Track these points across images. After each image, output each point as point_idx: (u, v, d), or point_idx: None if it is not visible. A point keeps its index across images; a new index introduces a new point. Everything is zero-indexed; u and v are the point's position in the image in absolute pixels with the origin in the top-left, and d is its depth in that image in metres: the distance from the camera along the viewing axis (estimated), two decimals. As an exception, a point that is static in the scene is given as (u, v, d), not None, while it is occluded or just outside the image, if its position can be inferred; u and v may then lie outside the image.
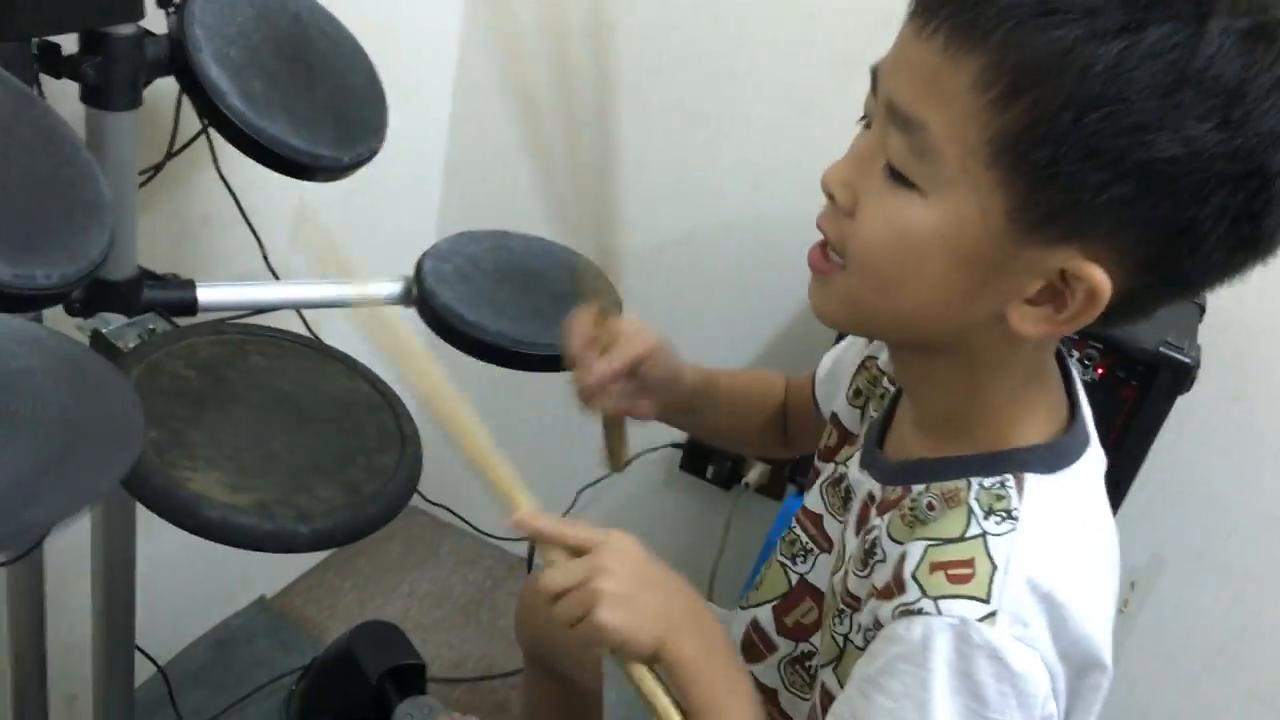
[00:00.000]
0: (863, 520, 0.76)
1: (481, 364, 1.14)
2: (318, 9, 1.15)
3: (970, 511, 0.65)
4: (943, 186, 0.60)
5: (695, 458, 1.79)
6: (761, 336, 1.73)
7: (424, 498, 2.08)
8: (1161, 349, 1.20)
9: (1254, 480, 1.48)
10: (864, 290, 0.67)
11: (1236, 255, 0.59)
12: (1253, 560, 1.53)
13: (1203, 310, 1.34)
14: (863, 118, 0.67)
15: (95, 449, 0.62)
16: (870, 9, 1.46)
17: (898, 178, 0.62)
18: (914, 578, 0.64)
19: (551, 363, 1.15)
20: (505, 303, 1.18)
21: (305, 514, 0.85)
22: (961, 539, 0.65)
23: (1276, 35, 0.55)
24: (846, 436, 0.88)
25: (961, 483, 0.67)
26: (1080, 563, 0.66)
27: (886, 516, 0.71)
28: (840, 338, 1.06)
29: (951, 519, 0.66)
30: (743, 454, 1.74)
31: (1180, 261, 0.59)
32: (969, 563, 0.63)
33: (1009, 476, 0.66)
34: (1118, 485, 1.29)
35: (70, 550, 1.20)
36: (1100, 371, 1.23)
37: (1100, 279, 0.59)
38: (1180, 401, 1.25)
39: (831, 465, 0.87)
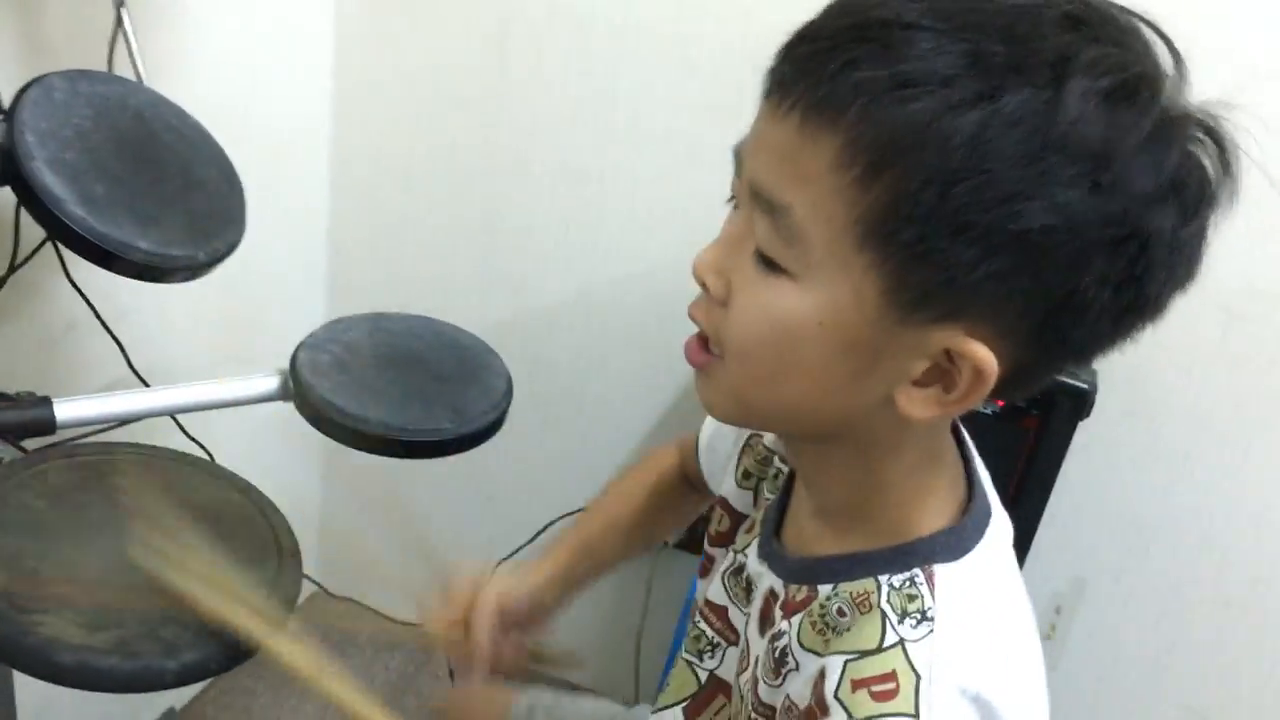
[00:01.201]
0: (766, 618, 0.72)
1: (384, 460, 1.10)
2: (162, 103, 1.10)
3: (884, 617, 0.62)
4: (814, 270, 0.57)
5: (611, 520, 1.75)
6: (668, 387, 1.70)
7: (329, 593, 2.01)
8: (1058, 377, 1.19)
9: (1164, 492, 1.48)
10: (744, 382, 0.63)
11: (1125, 320, 0.57)
12: (1174, 572, 1.53)
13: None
14: (730, 198, 0.64)
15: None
16: (738, 56, 1.46)
17: (768, 263, 0.59)
18: (837, 698, 0.61)
19: (440, 448, 1.11)
20: (387, 389, 1.13)
21: (172, 647, 0.79)
22: (879, 650, 0.61)
23: (1138, 94, 0.53)
24: (739, 519, 0.84)
25: (870, 583, 0.64)
26: (1004, 654, 0.63)
27: (795, 621, 0.67)
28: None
29: (866, 628, 0.62)
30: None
31: (1067, 332, 0.56)
32: (891, 675, 0.60)
33: (917, 572, 0.63)
34: (1031, 514, 1.28)
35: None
36: (1000, 404, 1.22)
37: (985, 356, 0.56)
38: (1083, 423, 1.25)
39: (728, 553, 0.83)
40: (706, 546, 0.87)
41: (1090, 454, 1.42)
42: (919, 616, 0.61)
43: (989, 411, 1.22)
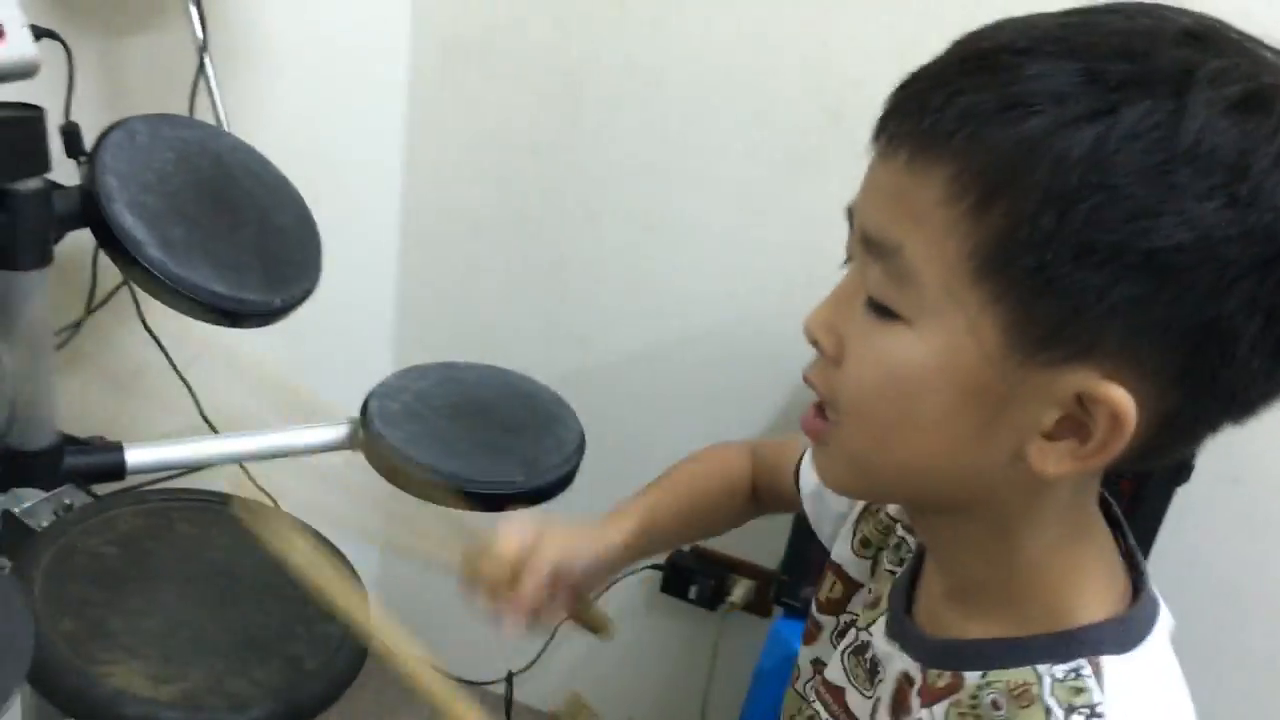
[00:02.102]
0: (900, 705, 0.67)
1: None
2: (242, 148, 1.10)
3: (1049, 712, 0.56)
4: (929, 313, 0.54)
5: (677, 579, 1.71)
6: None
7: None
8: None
9: (1262, 564, 1.41)
10: (862, 445, 0.59)
11: None
12: (1271, 646, 1.45)
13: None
14: (845, 261, 0.61)
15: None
16: (815, 106, 1.44)
17: (880, 310, 0.55)
18: None
19: (509, 501, 1.08)
20: (457, 440, 1.11)
21: (239, 702, 0.77)
22: None
23: (1271, 103, 0.49)
24: (853, 587, 0.79)
25: (1028, 672, 0.58)
26: None
27: (939, 710, 0.62)
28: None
29: None
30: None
31: (1215, 371, 0.51)
32: None
33: (1083, 663, 0.57)
34: (1171, 618, 1.22)
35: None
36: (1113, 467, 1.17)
37: (1122, 398, 0.51)
38: (1179, 489, 1.19)
39: (846, 626, 0.77)
40: (814, 612, 0.81)
41: (1184, 521, 1.35)
42: (1087, 712, 0.56)
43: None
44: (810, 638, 0.81)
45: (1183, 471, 1.15)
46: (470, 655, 1.96)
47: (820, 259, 0.62)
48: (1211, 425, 0.55)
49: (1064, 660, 0.57)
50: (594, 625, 0.95)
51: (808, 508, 0.89)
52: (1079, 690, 0.56)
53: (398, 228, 1.73)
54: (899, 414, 0.57)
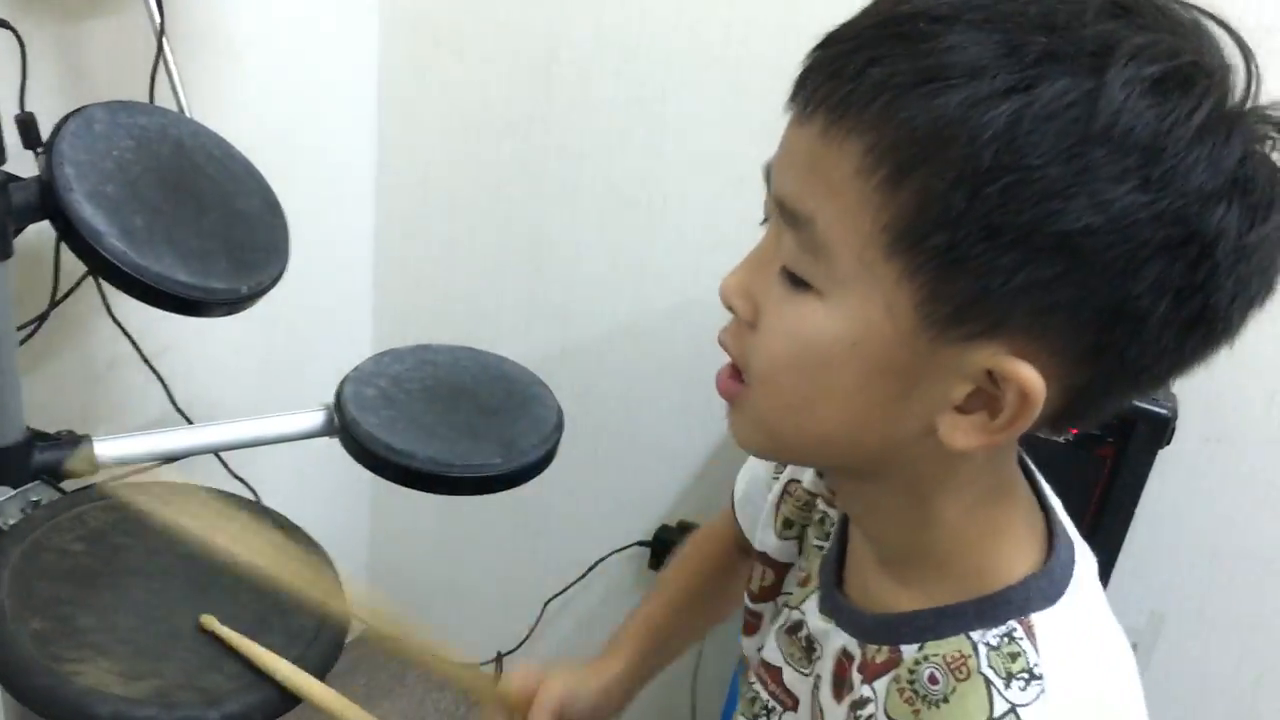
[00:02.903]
0: (842, 682, 0.66)
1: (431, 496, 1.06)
2: (204, 134, 1.08)
3: (988, 683, 0.56)
4: (842, 285, 0.53)
5: (664, 556, 1.70)
6: (721, 419, 1.65)
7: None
8: (1137, 402, 1.13)
9: (1247, 523, 1.40)
10: (773, 412, 0.59)
11: (1191, 337, 0.51)
12: (1258, 606, 1.44)
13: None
14: (764, 220, 0.59)
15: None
16: (791, 74, 1.42)
17: (794, 280, 0.55)
18: None
19: (491, 483, 1.07)
20: (435, 424, 1.09)
21: (213, 697, 0.76)
22: None
23: (1192, 83, 0.48)
24: (783, 571, 0.79)
25: (962, 641, 0.58)
26: (1113, 704, 0.58)
27: (879, 686, 0.62)
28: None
29: (968, 697, 0.56)
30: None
31: (1123, 349, 0.51)
32: None
33: (1014, 625, 0.57)
34: (1108, 547, 1.22)
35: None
36: (1074, 432, 1.16)
37: (1030, 377, 0.51)
38: (1162, 452, 1.19)
39: (781, 609, 0.77)
40: (748, 603, 0.81)
41: (1167, 482, 1.35)
42: (1026, 676, 0.55)
43: (1062, 440, 1.16)
44: (749, 629, 0.80)
45: (1164, 434, 1.14)
46: (459, 636, 1.96)
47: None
48: (1122, 396, 0.55)
49: (995, 624, 0.57)
50: None
51: (741, 520, 0.88)
52: (1014, 655, 0.56)
53: (372, 210, 1.71)
54: (810, 385, 0.56)
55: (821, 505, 0.75)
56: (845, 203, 0.51)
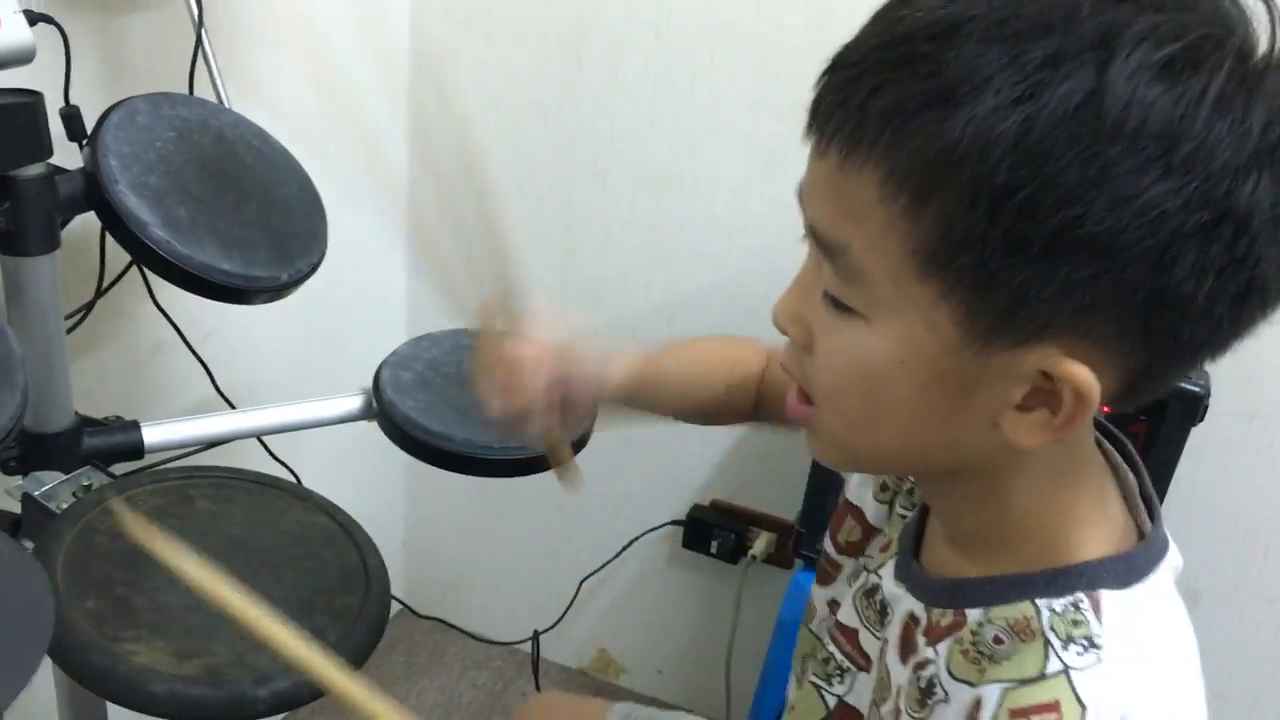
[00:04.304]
0: (907, 645, 0.68)
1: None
2: (244, 124, 1.10)
3: (1047, 644, 0.57)
4: (883, 308, 0.54)
5: (697, 534, 1.72)
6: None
7: (415, 613, 2.00)
8: (1170, 379, 1.13)
9: (1281, 499, 1.41)
10: (841, 429, 0.60)
11: (1246, 307, 0.51)
12: (1292, 582, 1.45)
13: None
14: (804, 236, 0.61)
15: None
16: (821, 54, 1.42)
17: (838, 305, 0.56)
18: None
19: (527, 466, 1.09)
20: (472, 407, 1.11)
21: (262, 675, 0.78)
22: (1042, 677, 0.56)
23: (1203, 57, 0.48)
24: (871, 532, 0.80)
25: (1027, 606, 0.59)
26: (1171, 689, 0.59)
27: (942, 648, 0.63)
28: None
29: (1026, 655, 0.58)
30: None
31: (1175, 332, 0.51)
32: (1054, 706, 0.55)
33: (1081, 596, 0.58)
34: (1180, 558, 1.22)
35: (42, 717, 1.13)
36: (1106, 410, 1.16)
37: (1082, 376, 0.51)
38: (1195, 429, 1.19)
39: (859, 569, 0.78)
40: (832, 553, 0.82)
41: (1201, 459, 1.35)
42: (1086, 643, 0.56)
43: (1095, 417, 1.16)
44: (826, 578, 0.82)
45: (1198, 410, 1.14)
46: (497, 615, 2.00)
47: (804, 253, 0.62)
48: (1188, 367, 0.56)
49: (1061, 594, 0.58)
50: (565, 467, 0.92)
51: None
52: (1077, 623, 0.57)
53: (406, 197, 1.73)
54: (870, 403, 0.58)
55: (912, 478, 0.77)
56: (872, 230, 0.52)
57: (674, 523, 1.74)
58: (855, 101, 0.51)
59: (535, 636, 1.84)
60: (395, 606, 1.96)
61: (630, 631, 1.89)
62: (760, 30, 1.45)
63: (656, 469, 1.76)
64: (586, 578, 1.79)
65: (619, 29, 1.52)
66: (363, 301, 1.67)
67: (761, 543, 1.67)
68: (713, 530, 1.70)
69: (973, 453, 0.59)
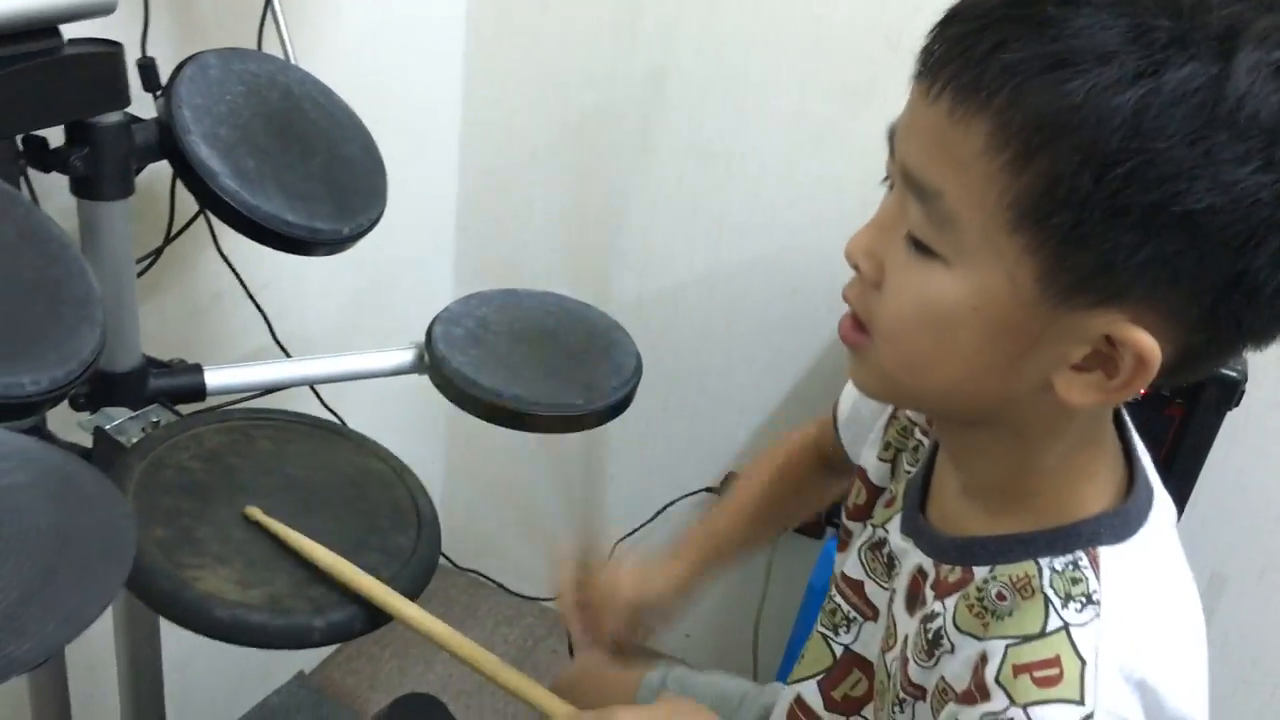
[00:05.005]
0: (915, 596, 0.71)
1: (504, 429, 1.11)
2: (309, 81, 1.13)
3: (1047, 601, 0.61)
4: (967, 255, 0.56)
5: (731, 502, 1.75)
6: (789, 372, 1.69)
7: (455, 565, 2.05)
8: (1207, 364, 1.15)
9: (1313, 489, 1.42)
10: (896, 366, 0.63)
11: None
12: (1320, 572, 1.46)
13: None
14: (885, 178, 0.63)
15: (83, 572, 0.59)
16: (873, 34, 1.44)
17: (920, 247, 0.58)
18: (999, 683, 0.59)
19: (572, 423, 1.12)
20: (520, 364, 1.14)
21: (319, 606, 0.82)
22: (1043, 634, 0.60)
23: None
24: (876, 493, 0.83)
25: (1030, 565, 0.62)
26: (1171, 640, 0.62)
27: (950, 602, 0.66)
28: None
29: (1028, 611, 0.61)
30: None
31: (1238, 316, 0.54)
32: (1055, 661, 0.58)
33: (1081, 554, 0.61)
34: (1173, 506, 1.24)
35: (95, 639, 1.18)
36: (1144, 392, 1.18)
37: (1148, 344, 0.54)
38: (1230, 415, 1.20)
39: (867, 527, 0.82)
40: (844, 520, 0.86)
41: (1234, 445, 1.36)
42: (1084, 600, 0.60)
43: (1132, 400, 1.18)
44: (842, 545, 0.85)
45: (1233, 396, 1.16)
46: (530, 573, 2.04)
47: (876, 190, 0.65)
48: (1235, 354, 0.59)
49: (1063, 552, 0.62)
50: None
51: (844, 436, 0.93)
52: (1076, 580, 0.60)
53: (457, 160, 1.76)
54: (933, 345, 0.60)
55: (918, 434, 0.80)
56: (971, 179, 0.54)
57: (708, 489, 1.77)
58: (977, 53, 0.53)
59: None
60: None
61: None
62: (813, 11, 1.46)
63: (691, 436, 1.79)
64: (620, 540, 1.82)
65: (673, 3, 1.55)
66: (411, 261, 1.71)
67: (793, 513, 1.70)
68: (745, 499, 1.73)
69: (1015, 406, 0.61)
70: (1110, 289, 0.54)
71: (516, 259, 1.81)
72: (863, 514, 0.83)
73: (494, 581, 2.05)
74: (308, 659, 1.83)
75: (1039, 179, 0.52)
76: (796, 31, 1.48)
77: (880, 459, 0.83)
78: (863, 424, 0.89)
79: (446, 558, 2.04)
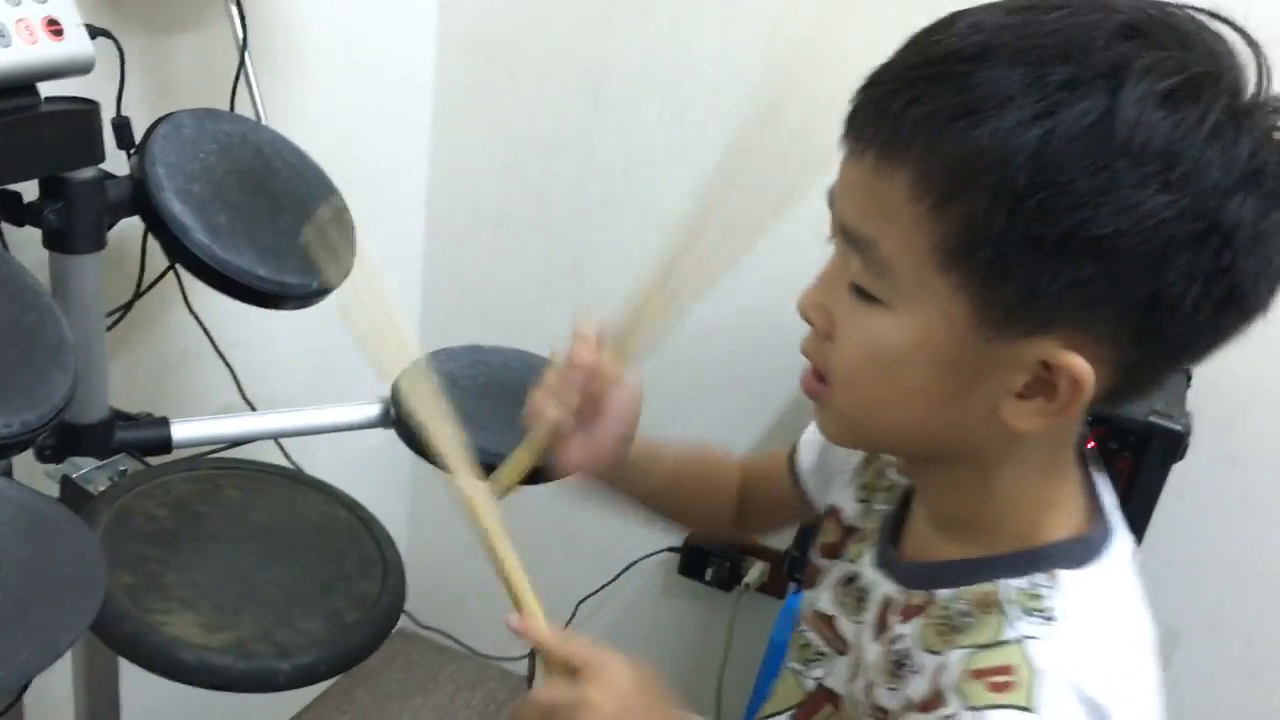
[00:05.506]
0: (882, 625, 0.73)
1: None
2: (280, 141, 1.16)
3: (1005, 614, 0.63)
4: (905, 299, 0.60)
5: (693, 561, 1.76)
6: (756, 429, 1.71)
7: (418, 623, 2.04)
8: (1151, 418, 1.18)
9: (1260, 543, 1.45)
10: (852, 409, 0.66)
11: (1226, 314, 0.58)
12: (1270, 625, 1.49)
13: (1189, 379, 1.33)
14: (830, 237, 0.67)
15: (55, 604, 0.60)
16: (828, 105, 1.48)
17: (863, 295, 0.62)
18: (955, 688, 0.62)
19: (533, 476, 1.14)
20: (486, 418, 1.16)
21: (285, 650, 0.82)
22: (999, 643, 0.62)
23: (1201, 90, 0.54)
24: (850, 533, 0.85)
25: (992, 585, 0.65)
26: (1124, 664, 0.63)
27: (914, 624, 0.68)
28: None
29: (988, 623, 0.63)
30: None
31: (1163, 332, 0.57)
32: (1009, 669, 0.60)
33: (1042, 575, 0.64)
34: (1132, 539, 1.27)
35: (52, 698, 1.17)
36: (1092, 444, 1.21)
37: (1079, 365, 0.57)
38: (1178, 469, 1.23)
39: (839, 563, 0.84)
40: (814, 558, 0.87)
41: (1183, 500, 1.40)
42: (1042, 615, 0.62)
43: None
44: (810, 583, 0.87)
45: (1178, 449, 1.19)
46: (494, 632, 2.03)
47: (830, 252, 0.68)
48: (1171, 370, 0.62)
49: (1025, 573, 0.64)
50: (510, 468, 0.92)
51: (809, 484, 0.95)
52: (1035, 597, 0.63)
53: (423, 220, 1.79)
54: (884, 385, 0.63)
55: (891, 475, 0.82)
56: (900, 227, 0.58)
57: (670, 549, 1.78)
58: (892, 111, 0.57)
59: (532, 654, 1.87)
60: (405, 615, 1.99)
61: (625, 654, 1.92)
62: (772, 78, 1.51)
63: (656, 496, 1.80)
64: (584, 599, 1.83)
65: (636, 72, 1.59)
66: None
67: (755, 571, 1.71)
68: (708, 558, 1.75)
69: (970, 437, 0.64)
70: (1038, 317, 0.57)
71: (481, 318, 1.83)
72: (834, 552, 0.85)
73: (457, 641, 2.04)
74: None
75: (959, 219, 0.56)
76: (756, 101, 1.53)
77: (857, 500, 0.85)
78: (829, 473, 0.91)
79: (410, 616, 2.03)
